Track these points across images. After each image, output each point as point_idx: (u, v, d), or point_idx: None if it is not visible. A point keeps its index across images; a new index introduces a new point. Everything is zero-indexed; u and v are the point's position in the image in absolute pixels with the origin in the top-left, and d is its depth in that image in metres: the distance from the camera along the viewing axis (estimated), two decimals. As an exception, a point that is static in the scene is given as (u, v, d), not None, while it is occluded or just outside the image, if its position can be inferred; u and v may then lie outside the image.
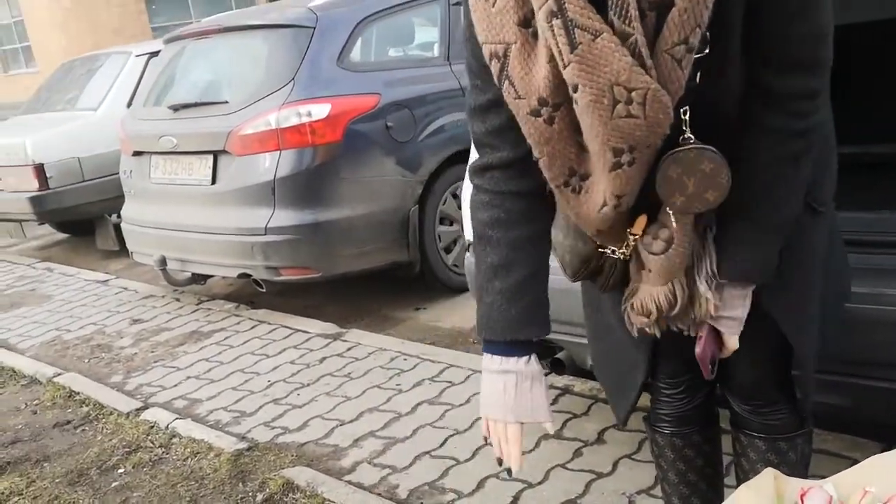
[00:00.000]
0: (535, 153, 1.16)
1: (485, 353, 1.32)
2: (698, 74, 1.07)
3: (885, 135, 2.31)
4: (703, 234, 1.26)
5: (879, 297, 1.67)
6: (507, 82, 1.11)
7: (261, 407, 3.12)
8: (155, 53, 5.62)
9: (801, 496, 1.11)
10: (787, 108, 1.15)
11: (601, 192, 1.14)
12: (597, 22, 0.99)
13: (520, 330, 1.28)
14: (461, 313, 3.97)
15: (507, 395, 1.28)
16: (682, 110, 1.09)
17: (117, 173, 4.86)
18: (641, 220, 1.22)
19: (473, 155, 1.40)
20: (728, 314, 1.28)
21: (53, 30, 19.76)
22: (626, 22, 0.99)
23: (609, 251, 1.29)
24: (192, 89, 4.39)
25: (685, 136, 1.12)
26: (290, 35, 4.05)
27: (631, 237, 1.24)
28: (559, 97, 1.08)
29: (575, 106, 1.06)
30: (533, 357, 1.30)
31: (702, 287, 1.26)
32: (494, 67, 1.12)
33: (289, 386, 3.27)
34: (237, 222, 3.91)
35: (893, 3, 1.91)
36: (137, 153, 4.51)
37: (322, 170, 3.84)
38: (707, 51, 1.05)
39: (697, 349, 1.31)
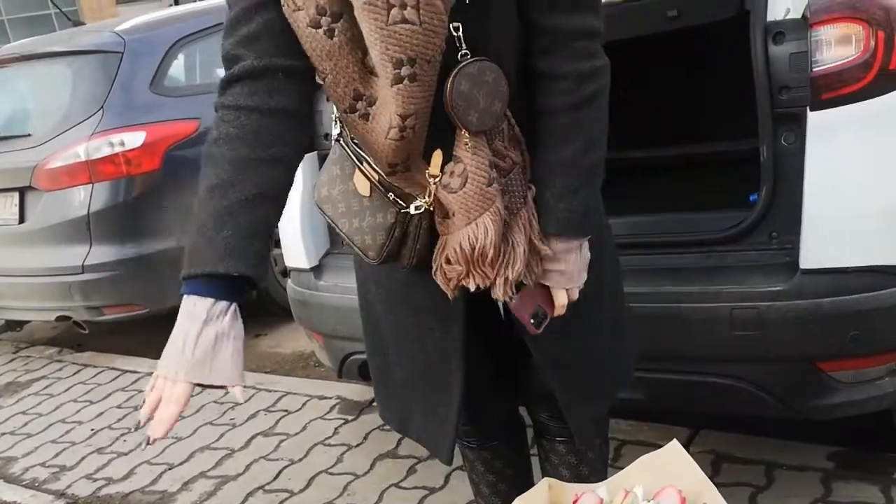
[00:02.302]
0: (319, 72, 1.12)
1: (182, 296, 1.10)
2: None
3: (665, 139, 2.46)
4: (523, 188, 1.24)
5: (659, 296, 1.76)
6: None
7: (83, 458, 2.92)
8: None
9: (575, 501, 1.14)
10: (571, 50, 1.19)
11: (387, 115, 1.11)
12: None
13: (221, 261, 1.07)
14: (303, 338, 3.89)
15: (187, 346, 1.06)
16: (452, 26, 1.10)
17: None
18: (437, 156, 1.19)
19: None
20: (554, 267, 1.27)
21: None
22: None
23: (412, 208, 1.23)
24: (-10, 123, 4.08)
25: (462, 51, 1.12)
26: (97, 61, 3.85)
27: (431, 180, 1.20)
28: (338, 6, 1.07)
29: (356, 13, 1.05)
30: (232, 307, 1.09)
31: (539, 245, 1.24)
32: None
33: (114, 433, 3.09)
34: (51, 262, 3.66)
35: (653, 21, 2.04)
36: (-67, 195, 4.14)
37: (141, 200, 3.67)
38: None
39: (513, 302, 1.25)
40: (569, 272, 1.27)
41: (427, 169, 1.19)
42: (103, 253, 3.60)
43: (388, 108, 1.11)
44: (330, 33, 1.08)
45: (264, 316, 4.10)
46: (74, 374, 3.78)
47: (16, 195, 3.76)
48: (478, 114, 1.13)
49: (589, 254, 1.31)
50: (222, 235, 1.08)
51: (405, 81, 1.07)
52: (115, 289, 3.65)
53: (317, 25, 1.08)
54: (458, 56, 1.12)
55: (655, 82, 2.61)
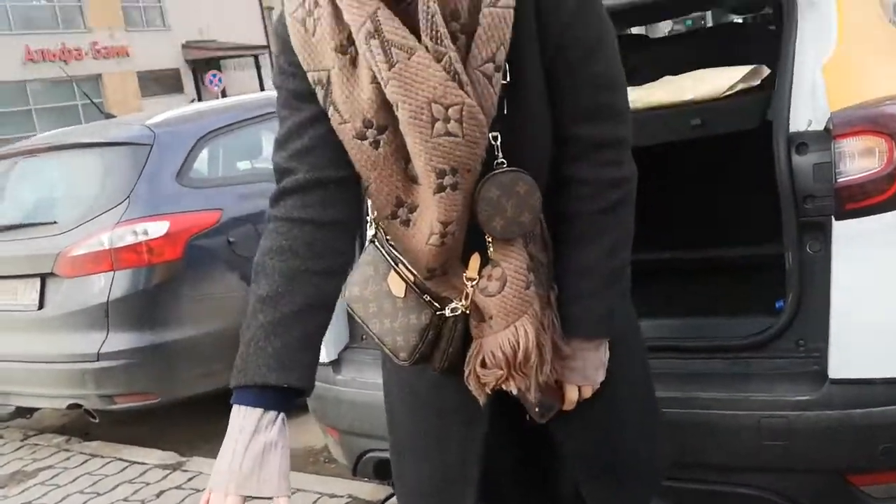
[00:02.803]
0: (364, 180, 1.17)
1: (232, 407, 1.11)
2: (505, 104, 1.14)
3: (689, 242, 2.48)
4: (547, 288, 1.25)
5: (685, 401, 1.74)
6: (331, 107, 1.15)
7: (87, 553, 2.85)
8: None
9: None
10: (598, 158, 1.22)
11: (428, 221, 1.15)
12: (411, 41, 1.06)
13: (271, 373, 1.09)
14: (315, 431, 3.82)
15: (236, 458, 1.07)
16: (491, 135, 1.14)
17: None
18: (475, 260, 1.21)
19: None
20: (570, 364, 1.27)
21: None
22: (438, 42, 1.06)
23: (448, 311, 1.24)
24: (18, 210, 4.16)
25: (499, 160, 1.16)
26: (127, 152, 3.95)
27: (469, 284, 1.22)
28: (383, 119, 1.12)
29: (400, 126, 1.10)
30: (280, 417, 1.10)
31: (563, 346, 1.25)
32: (320, 94, 1.16)
33: (120, 526, 3.02)
34: (66, 349, 3.66)
35: (677, 129, 2.09)
36: (-44, 278, 4.18)
37: (161, 289, 3.69)
38: (509, 79, 1.13)
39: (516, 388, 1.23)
40: (583, 370, 1.28)
41: (465, 272, 1.21)
42: (119, 341, 3.60)
43: (430, 214, 1.14)
44: (375, 144, 1.13)
45: (276, 409, 4.04)
46: (82, 464, 3.72)
47: (37, 281, 3.79)
48: (503, 221, 1.16)
49: (607, 353, 1.31)
50: (273, 347, 1.10)
51: (447, 190, 1.11)
52: (129, 377, 3.63)
53: (363, 137, 1.13)
54: (495, 164, 1.16)
55: (682, 185, 2.65)
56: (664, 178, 2.45)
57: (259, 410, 1.09)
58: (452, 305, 1.24)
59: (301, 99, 1.21)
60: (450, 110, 1.07)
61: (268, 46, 27.43)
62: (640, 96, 2.20)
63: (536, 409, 1.27)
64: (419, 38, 1.07)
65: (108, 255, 3.64)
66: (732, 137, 2.16)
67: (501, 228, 1.16)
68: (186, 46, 27.91)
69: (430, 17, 1.06)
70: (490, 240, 1.19)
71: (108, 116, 5.35)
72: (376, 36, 1.07)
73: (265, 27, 29.84)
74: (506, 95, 1.14)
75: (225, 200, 3.98)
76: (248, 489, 1.07)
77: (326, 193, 1.18)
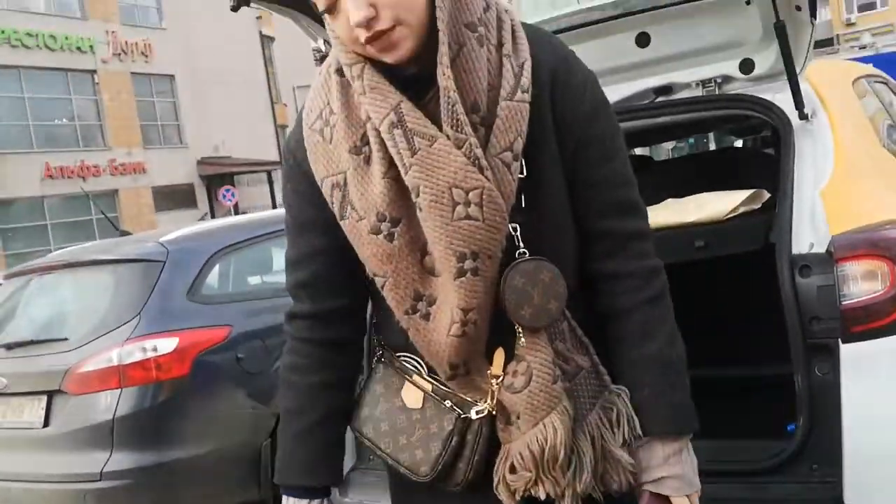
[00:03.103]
0: (380, 276, 1.19)
1: (282, 496, 1.34)
2: (523, 197, 1.17)
3: (696, 362, 2.46)
4: (589, 394, 1.22)
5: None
6: (349, 207, 1.20)
7: None
8: (-4, 287, 5.40)
9: None
10: (632, 251, 1.24)
11: (449, 311, 1.15)
12: (433, 130, 1.12)
13: (305, 475, 1.31)
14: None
15: None
16: (511, 226, 1.16)
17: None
18: (499, 356, 1.20)
19: None
20: (669, 473, 1.21)
21: None
22: (459, 129, 1.11)
23: (473, 413, 1.21)
24: (29, 326, 4.18)
25: (520, 249, 1.18)
26: (140, 269, 4.00)
27: (494, 381, 1.19)
28: (397, 212, 1.16)
29: (419, 213, 1.13)
30: (324, 502, 1.33)
31: (617, 452, 1.19)
32: (337, 198, 1.21)
33: None
34: (68, 468, 3.59)
35: (681, 250, 2.13)
36: (-37, 395, 4.17)
37: (167, 406, 3.65)
38: (525, 173, 1.17)
39: None
40: (685, 475, 1.22)
41: (489, 370, 1.20)
42: (123, 460, 3.54)
43: (450, 303, 1.15)
44: (390, 237, 1.17)
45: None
46: (77, 590, 3.59)
47: (44, 399, 3.76)
48: (531, 310, 1.16)
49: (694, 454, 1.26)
50: (301, 455, 1.31)
51: (468, 275, 1.13)
52: (130, 499, 3.55)
53: (377, 231, 1.17)
54: (517, 254, 1.18)
55: (690, 305, 2.66)
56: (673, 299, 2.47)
57: (304, 501, 1.32)
58: (477, 407, 1.21)
59: (306, 229, 1.28)
60: (470, 194, 1.11)
61: (280, 162, 28.18)
62: (645, 218, 2.25)
63: None
64: (440, 128, 1.12)
65: (116, 372, 3.63)
66: (738, 258, 2.19)
67: (530, 317, 1.16)
68: (201, 162, 28.71)
69: (451, 106, 1.12)
70: (520, 330, 1.18)
71: (124, 233, 5.45)
72: (399, 126, 1.12)
73: (278, 144, 30.77)
74: (524, 188, 1.18)
75: (234, 316, 4.00)
76: None
77: (331, 319, 1.30)
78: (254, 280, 4.63)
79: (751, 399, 2.29)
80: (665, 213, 2.27)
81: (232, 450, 3.79)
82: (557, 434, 1.15)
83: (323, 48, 2.37)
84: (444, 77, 1.11)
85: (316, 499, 1.33)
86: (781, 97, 2.11)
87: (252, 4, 2.13)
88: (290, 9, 2.19)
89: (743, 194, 2.18)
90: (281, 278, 4.85)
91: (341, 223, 1.22)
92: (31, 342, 3.96)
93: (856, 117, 2.17)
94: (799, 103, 2.04)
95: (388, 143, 1.14)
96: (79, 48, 24.84)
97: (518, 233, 1.18)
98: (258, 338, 4.00)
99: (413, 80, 1.16)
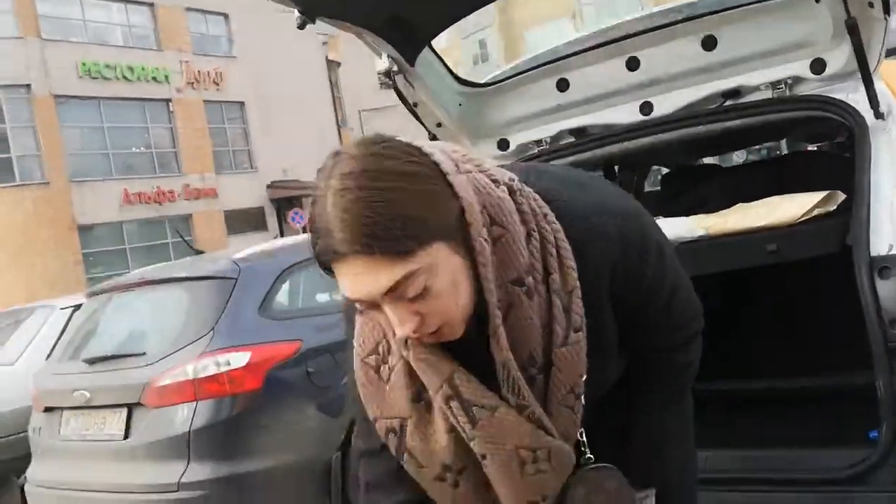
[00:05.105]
0: None
1: None
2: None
3: (777, 371, 2.41)
4: None
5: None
6: (406, 454, 1.17)
7: None
8: (79, 306, 5.62)
9: None
10: (678, 353, 1.25)
11: None
12: (492, 399, 1.08)
13: None
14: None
15: None
16: (579, 432, 1.15)
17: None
18: None
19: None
20: None
21: (-13, 283, 19.76)
22: (520, 396, 1.07)
23: None
24: (110, 342, 4.35)
25: (586, 456, 1.17)
26: (213, 286, 4.12)
27: None
28: (461, 463, 1.13)
29: (486, 469, 1.11)
30: None
31: None
32: (392, 441, 1.17)
33: None
34: (148, 479, 3.71)
35: (753, 255, 2.09)
36: (49, 409, 4.34)
37: (241, 419, 3.73)
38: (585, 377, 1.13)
39: None
40: None
41: None
42: (200, 471, 3.63)
43: None
44: (455, 484, 1.16)
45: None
46: None
47: (124, 411, 3.89)
48: None
49: None
50: None
51: None
52: (206, 510, 3.63)
53: (443, 479, 1.16)
54: (582, 459, 1.18)
55: (758, 314, 2.61)
56: (740, 305, 2.42)
57: None
58: None
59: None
60: (538, 452, 1.09)
61: (347, 185, 28.40)
62: (716, 223, 2.21)
63: None
64: (497, 391, 1.09)
65: (191, 386, 3.74)
66: (814, 262, 2.13)
67: None
68: (271, 186, 29.33)
69: (506, 371, 1.08)
70: None
71: (198, 253, 5.62)
72: (455, 398, 1.10)
73: (345, 167, 31.04)
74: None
75: (304, 331, 4.06)
76: None
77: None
78: (322, 296, 4.69)
79: (830, 407, 2.22)
80: (735, 218, 2.22)
81: (303, 463, 3.84)
82: None
83: (387, 63, 2.41)
84: (498, 349, 1.07)
85: None
86: (855, 97, 2.06)
87: (318, 21, 2.18)
88: (354, 24, 2.24)
89: (816, 196, 2.12)
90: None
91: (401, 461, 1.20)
92: (112, 357, 4.11)
93: (934, 115, 2.10)
94: (874, 102, 1.98)
95: (447, 414, 1.12)
96: (154, 78, 25.75)
97: (584, 437, 1.18)
98: (328, 352, 4.05)
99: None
